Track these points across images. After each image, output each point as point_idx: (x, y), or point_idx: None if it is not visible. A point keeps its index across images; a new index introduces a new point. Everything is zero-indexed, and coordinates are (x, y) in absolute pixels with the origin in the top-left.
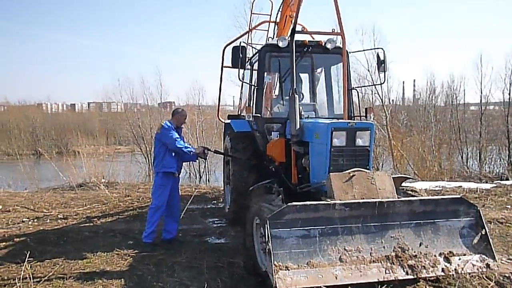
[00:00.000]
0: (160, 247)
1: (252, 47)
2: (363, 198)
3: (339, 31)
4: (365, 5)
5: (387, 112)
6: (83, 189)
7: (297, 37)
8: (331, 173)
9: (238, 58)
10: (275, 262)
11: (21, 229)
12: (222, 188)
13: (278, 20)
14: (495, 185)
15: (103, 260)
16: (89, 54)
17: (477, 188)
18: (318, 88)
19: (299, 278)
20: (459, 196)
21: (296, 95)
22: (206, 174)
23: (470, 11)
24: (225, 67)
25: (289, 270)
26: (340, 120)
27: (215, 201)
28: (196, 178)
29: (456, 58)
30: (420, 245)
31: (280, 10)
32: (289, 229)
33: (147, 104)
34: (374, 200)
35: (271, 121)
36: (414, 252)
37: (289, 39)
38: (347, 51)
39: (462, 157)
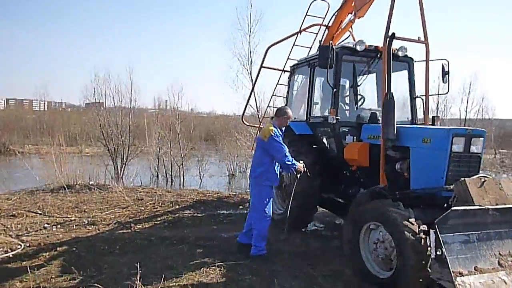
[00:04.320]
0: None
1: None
2: (497, 204)
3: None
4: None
5: None
6: (74, 191)
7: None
8: (466, 179)
9: (327, 58)
10: (452, 269)
11: (49, 236)
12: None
13: (330, 24)
14: None
15: (197, 271)
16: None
17: None
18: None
19: (476, 284)
20: None
21: (393, 100)
22: (179, 178)
23: None
24: (263, 67)
25: (463, 276)
26: (458, 127)
27: (241, 206)
28: (167, 182)
29: None
30: None
31: (336, 14)
32: (452, 234)
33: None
34: None
35: (345, 124)
36: None
37: (387, 42)
38: (412, 58)
39: None
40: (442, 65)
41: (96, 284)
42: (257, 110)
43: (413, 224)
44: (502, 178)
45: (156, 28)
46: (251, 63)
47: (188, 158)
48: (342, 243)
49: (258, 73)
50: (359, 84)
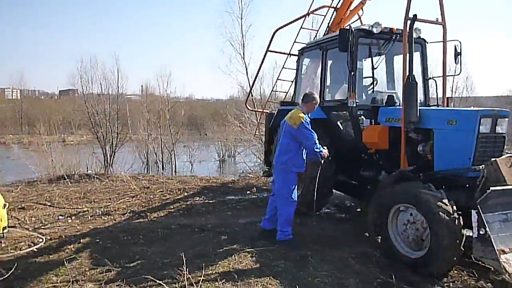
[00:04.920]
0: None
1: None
2: None
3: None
4: None
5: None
6: (74, 181)
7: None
8: (497, 159)
9: (348, 41)
10: (496, 247)
11: (68, 228)
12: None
13: (339, 6)
14: None
15: (229, 258)
16: None
17: None
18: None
19: None
20: None
21: (416, 82)
22: (170, 164)
23: None
24: (270, 51)
25: (506, 253)
26: (484, 108)
27: (248, 191)
28: (158, 169)
29: None
30: None
31: None
32: (492, 214)
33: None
34: None
35: (361, 108)
36: None
37: (407, 24)
38: (424, 40)
39: None
40: (455, 46)
41: (148, 276)
42: (251, 95)
43: (446, 205)
44: None
45: (139, 14)
46: (243, 47)
47: (176, 144)
48: (367, 225)
49: (264, 56)
50: (375, 67)
